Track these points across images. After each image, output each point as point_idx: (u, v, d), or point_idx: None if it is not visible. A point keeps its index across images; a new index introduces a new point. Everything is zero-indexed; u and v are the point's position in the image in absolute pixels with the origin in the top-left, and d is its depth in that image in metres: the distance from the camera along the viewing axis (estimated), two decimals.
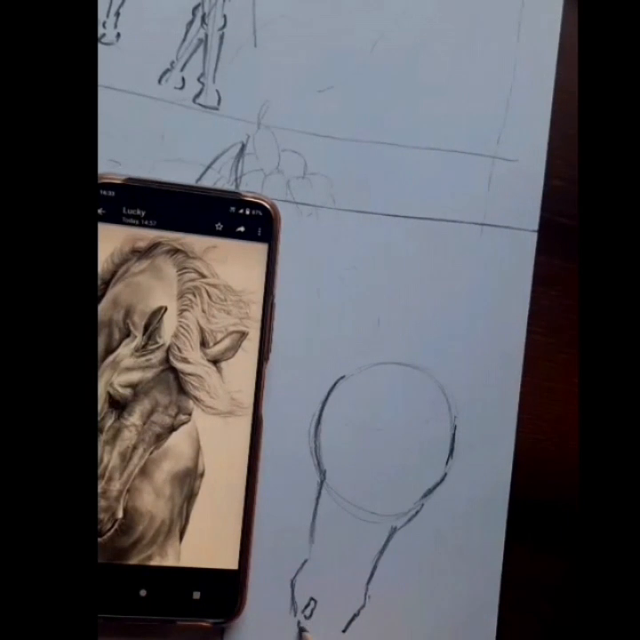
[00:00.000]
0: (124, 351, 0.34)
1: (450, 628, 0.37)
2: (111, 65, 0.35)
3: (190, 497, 0.35)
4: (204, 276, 0.35)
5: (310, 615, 0.36)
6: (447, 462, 0.38)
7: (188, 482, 0.35)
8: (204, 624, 0.34)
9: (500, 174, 0.39)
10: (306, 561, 0.36)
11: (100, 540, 0.34)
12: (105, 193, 0.34)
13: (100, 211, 0.34)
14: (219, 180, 0.36)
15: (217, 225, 0.35)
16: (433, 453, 0.38)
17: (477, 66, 0.39)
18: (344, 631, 0.36)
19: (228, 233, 0.35)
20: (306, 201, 0.37)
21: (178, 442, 0.34)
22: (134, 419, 0.34)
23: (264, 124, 0.37)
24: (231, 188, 0.36)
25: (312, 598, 0.36)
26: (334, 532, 0.36)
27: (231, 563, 0.35)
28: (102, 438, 0.34)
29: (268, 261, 0.35)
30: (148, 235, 0.35)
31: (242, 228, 0.35)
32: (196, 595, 0.34)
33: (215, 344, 0.35)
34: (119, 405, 0.34)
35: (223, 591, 0.35)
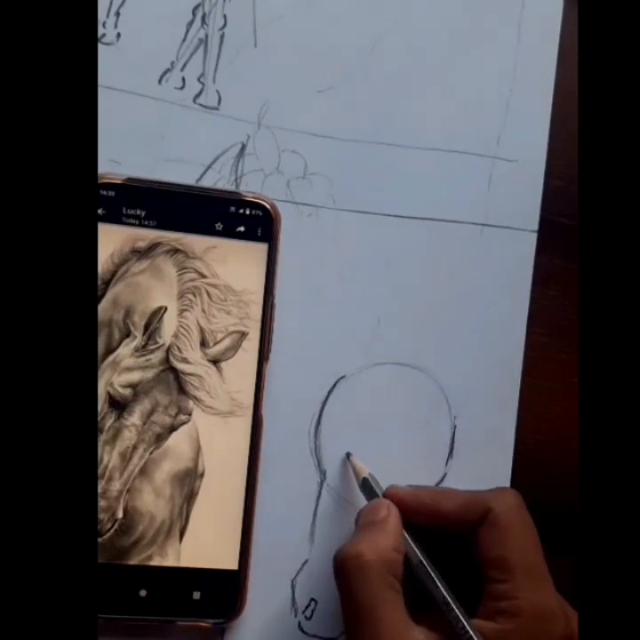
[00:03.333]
0: (124, 351, 0.34)
1: None
2: (111, 65, 0.35)
3: (190, 497, 0.34)
4: (204, 276, 0.35)
5: (311, 616, 0.36)
6: (447, 462, 0.38)
7: (188, 482, 0.35)
8: (204, 624, 0.34)
9: (500, 174, 0.39)
10: (306, 561, 0.36)
11: (100, 540, 0.34)
12: (105, 193, 0.34)
13: (100, 211, 0.34)
14: (219, 180, 0.36)
15: (217, 225, 0.35)
16: (433, 453, 0.38)
17: (477, 66, 0.39)
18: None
19: (228, 233, 0.35)
20: (306, 201, 0.37)
21: (178, 442, 0.34)
22: (134, 419, 0.34)
23: (264, 124, 0.37)
24: (231, 188, 0.36)
25: (312, 599, 0.36)
26: (334, 532, 0.36)
27: (231, 563, 0.35)
28: (102, 438, 0.34)
29: (268, 261, 0.35)
30: (148, 235, 0.35)
31: (242, 228, 0.35)
32: (196, 595, 0.34)
33: (215, 344, 0.35)
34: (119, 405, 0.34)
35: (223, 591, 0.35)
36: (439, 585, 0.32)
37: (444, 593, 0.32)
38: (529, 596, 0.31)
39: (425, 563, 0.33)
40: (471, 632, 0.31)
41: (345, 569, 0.31)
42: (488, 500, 0.33)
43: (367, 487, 0.35)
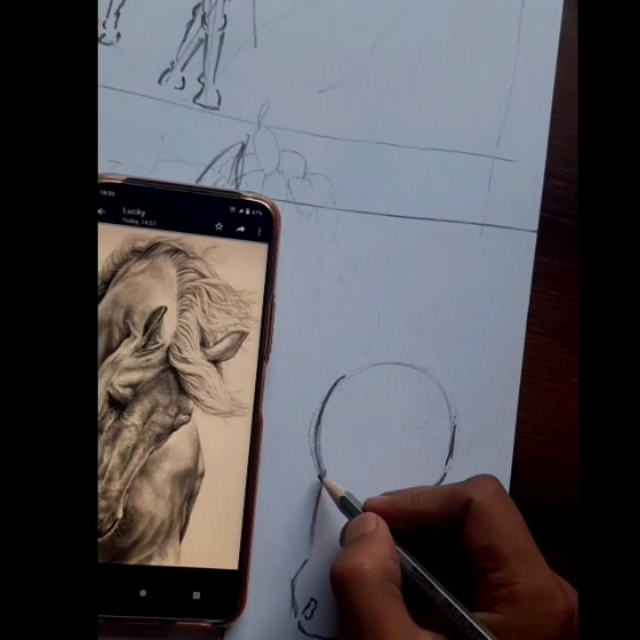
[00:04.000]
0: (124, 351, 0.34)
1: None
2: (111, 65, 0.35)
3: (190, 497, 0.34)
4: (204, 276, 0.35)
5: (311, 616, 0.36)
6: (447, 462, 0.38)
7: (188, 482, 0.35)
8: (204, 624, 0.34)
9: (500, 174, 0.39)
10: (306, 561, 0.36)
11: (100, 540, 0.34)
12: (105, 193, 0.34)
13: (100, 211, 0.34)
14: (219, 180, 0.36)
15: (217, 225, 0.35)
16: (433, 453, 0.38)
17: (477, 66, 0.39)
18: None
19: (228, 233, 0.35)
20: (306, 201, 0.37)
21: (178, 442, 0.34)
22: (134, 419, 0.34)
23: (264, 124, 0.37)
24: (231, 188, 0.36)
25: (312, 599, 0.36)
26: (334, 532, 0.36)
27: (231, 563, 0.35)
28: (102, 438, 0.34)
29: (268, 261, 0.35)
30: (148, 235, 0.35)
31: (242, 228, 0.35)
32: (196, 595, 0.34)
33: (215, 344, 0.35)
34: (119, 405, 0.34)
35: (223, 591, 0.35)
36: (438, 589, 0.32)
37: (445, 595, 0.32)
38: (524, 579, 0.31)
39: (419, 569, 0.33)
40: (480, 629, 0.31)
41: (344, 582, 0.31)
42: (467, 492, 0.33)
43: (347, 506, 0.35)
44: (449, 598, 0.32)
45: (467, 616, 0.31)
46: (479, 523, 0.32)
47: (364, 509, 0.34)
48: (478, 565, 0.32)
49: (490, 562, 0.32)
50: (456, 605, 0.32)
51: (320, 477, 0.36)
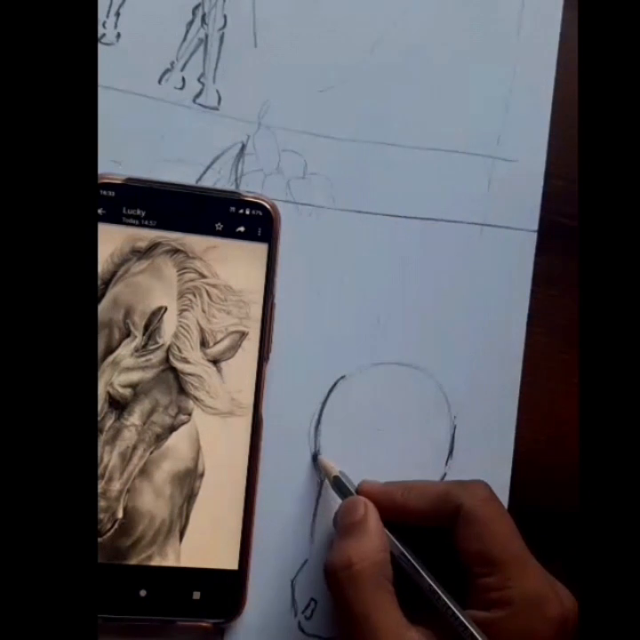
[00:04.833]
0: (124, 351, 0.34)
1: None
2: (111, 65, 0.35)
3: (190, 497, 0.34)
4: (204, 276, 0.35)
5: (310, 616, 0.36)
6: (447, 462, 0.38)
7: (188, 482, 0.35)
8: (204, 624, 0.34)
9: (500, 174, 0.39)
10: (306, 561, 0.36)
11: (100, 540, 0.34)
12: (105, 193, 0.34)
13: (100, 211, 0.34)
14: (219, 180, 0.36)
15: (217, 225, 0.35)
16: (433, 453, 0.38)
17: (477, 66, 0.39)
18: None
19: (228, 233, 0.35)
20: (306, 201, 0.37)
21: (178, 442, 0.34)
22: (134, 419, 0.34)
23: (264, 124, 0.37)
24: (231, 188, 0.36)
25: (312, 599, 0.36)
26: (334, 532, 0.36)
27: (231, 563, 0.35)
28: (102, 438, 0.34)
29: (268, 261, 0.35)
30: (147, 235, 0.35)
31: (242, 228, 0.35)
32: (196, 595, 0.34)
33: (215, 344, 0.35)
34: (119, 405, 0.34)
35: (223, 591, 0.35)
36: (423, 574, 0.32)
37: (430, 581, 0.32)
38: (517, 584, 0.31)
39: (407, 554, 0.33)
40: (462, 618, 0.31)
41: (336, 580, 0.32)
42: (458, 496, 0.33)
43: (339, 485, 0.35)
44: (433, 584, 0.32)
45: (450, 604, 0.31)
46: (471, 528, 0.32)
47: (357, 492, 0.34)
48: (470, 569, 0.32)
49: (482, 567, 0.32)
50: (439, 592, 0.32)
51: (315, 455, 0.36)
